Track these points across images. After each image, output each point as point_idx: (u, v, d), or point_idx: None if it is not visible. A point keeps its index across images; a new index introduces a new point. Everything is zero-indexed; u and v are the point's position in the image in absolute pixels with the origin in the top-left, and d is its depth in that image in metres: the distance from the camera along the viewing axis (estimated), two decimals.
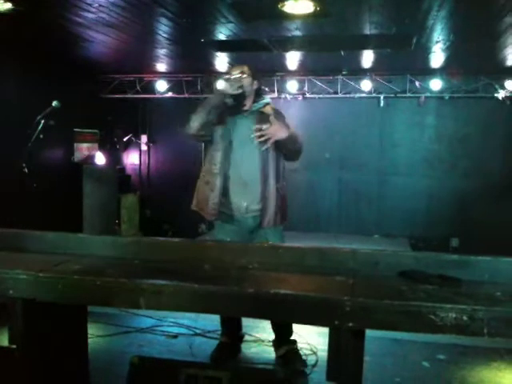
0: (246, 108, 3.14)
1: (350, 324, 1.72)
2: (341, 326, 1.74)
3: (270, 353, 3.31)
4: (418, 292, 1.86)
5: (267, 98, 3.26)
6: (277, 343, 3.28)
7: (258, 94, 3.20)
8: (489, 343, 3.32)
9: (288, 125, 3.06)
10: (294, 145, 3.09)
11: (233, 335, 3.34)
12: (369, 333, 1.87)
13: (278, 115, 3.13)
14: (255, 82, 3.15)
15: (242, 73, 3.08)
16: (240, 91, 3.02)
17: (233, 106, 3.10)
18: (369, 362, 2.92)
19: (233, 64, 3.26)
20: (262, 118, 3.07)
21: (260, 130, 2.96)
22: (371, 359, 3.08)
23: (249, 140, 3.03)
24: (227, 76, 3.08)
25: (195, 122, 3.02)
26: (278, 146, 3.05)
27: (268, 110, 3.15)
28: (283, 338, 3.24)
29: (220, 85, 3.07)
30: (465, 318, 1.64)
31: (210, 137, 3.10)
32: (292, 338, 3.25)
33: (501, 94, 7.51)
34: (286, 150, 3.11)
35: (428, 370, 3.19)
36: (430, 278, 1.95)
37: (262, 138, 2.97)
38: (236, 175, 3.08)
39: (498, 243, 6.94)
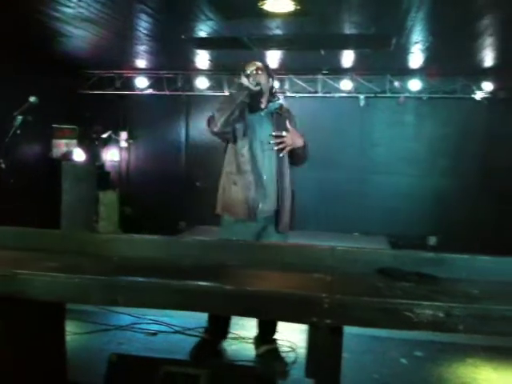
0: (262, 106, 3.13)
1: (328, 321, 1.73)
2: (319, 323, 1.74)
3: (249, 350, 3.31)
4: (395, 289, 1.87)
5: (281, 98, 3.26)
6: (258, 341, 3.27)
7: (272, 93, 3.20)
8: (466, 340, 3.36)
9: (301, 133, 3.11)
10: (304, 152, 3.15)
11: (216, 333, 3.31)
12: (348, 330, 1.88)
13: (293, 118, 3.19)
14: (270, 80, 3.16)
15: (258, 69, 3.07)
16: (259, 88, 3.02)
17: (250, 104, 3.06)
18: (347, 359, 2.93)
19: (245, 60, 3.21)
20: (280, 120, 3.10)
21: (279, 137, 3.00)
22: (350, 356, 3.10)
23: (267, 140, 3.05)
24: (248, 72, 3.03)
25: (221, 119, 2.94)
26: (291, 151, 3.09)
27: (284, 111, 3.18)
28: (266, 337, 3.23)
29: (243, 81, 3.00)
30: (441, 314, 1.66)
31: (232, 134, 3.05)
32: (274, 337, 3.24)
33: (478, 95, 7.63)
34: (296, 155, 3.15)
35: (406, 366, 3.22)
36: (407, 275, 1.97)
37: (281, 146, 3.01)
38: (255, 175, 3.05)
39: (476, 242, 7.08)
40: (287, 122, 3.09)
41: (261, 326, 3.27)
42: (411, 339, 3.46)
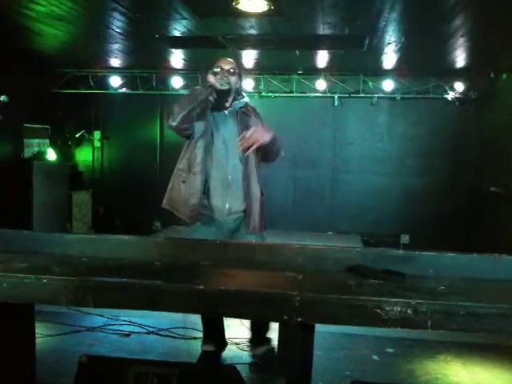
0: (227, 105, 3.03)
1: (299, 319, 1.74)
2: (290, 321, 1.76)
3: (226, 350, 3.32)
4: (364, 286, 1.90)
5: (246, 97, 3.15)
6: (254, 342, 3.22)
7: (238, 92, 3.10)
8: (435, 336, 3.43)
9: (268, 128, 2.96)
10: (273, 147, 3.00)
11: (214, 343, 3.19)
12: (320, 327, 1.90)
13: (258, 116, 3.11)
14: (239, 80, 3.06)
15: (231, 68, 2.97)
16: (227, 87, 2.91)
17: (215, 103, 2.95)
18: (319, 356, 2.99)
19: (219, 58, 3.11)
20: (244, 119, 3.02)
21: (243, 138, 2.85)
22: (322, 353, 3.15)
23: (232, 139, 2.95)
24: (216, 69, 2.94)
25: (179, 115, 2.82)
26: (259, 148, 2.94)
27: (249, 110, 3.10)
28: (261, 337, 3.16)
29: (210, 78, 2.92)
30: (409, 311, 1.68)
31: (191, 131, 2.93)
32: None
33: (450, 96, 7.76)
34: (266, 152, 3.03)
35: (377, 363, 3.27)
36: (376, 272, 2.00)
37: (246, 145, 2.85)
38: (218, 175, 2.96)
39: (447, 239, 7.20)
40: (251, 120, 3.01)
41: (254, 327, 3.22)
42: (383, 336, 3.51)
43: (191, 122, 2.88)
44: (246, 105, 3.11)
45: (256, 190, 3.05)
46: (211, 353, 3.14)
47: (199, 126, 2.93)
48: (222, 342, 3.24)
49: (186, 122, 2.86)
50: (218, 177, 2.96)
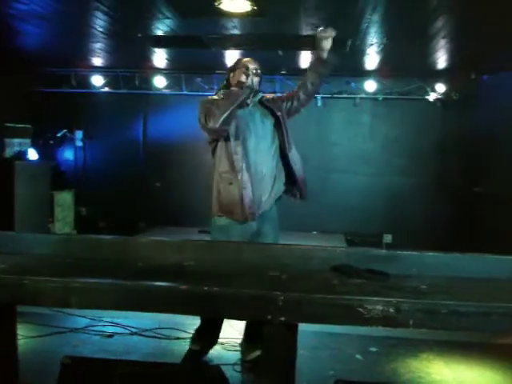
0: (248, 102, 3.11)
1: (283, 318, 1.75)
2: (274, 321, 1.76)
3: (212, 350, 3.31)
4: (347, 286, 1.91)
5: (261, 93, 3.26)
6: (247, 346, 3.20)
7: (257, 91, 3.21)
8: (418, 335, 3.46)
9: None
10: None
11: (205, 341, 3.20)
12: (304, 327, 1.91)
13: (275, 98, 3.24)
14: (260, 81, 3.19)
15: (257, 69, 3.11)
16: (257, 87, 3.08)
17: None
18: (303, 356, 2.99)
19: (243, 58, 3.21)
20: (269, 103, 3.14)
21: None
22: (306, 352, 3.16)
23: (262, 133, 3.06)
24: (249, 72, 3.07)
25: (221, 116, 2.90)
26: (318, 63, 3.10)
27: (267, 96, 3.21)
28: (255, 341, 3.12)
29: (242, 78, 3.04)
30: (391, 310, 1.69)
31: (228, 132, 3.01)
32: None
33: (432, 97, 7.84)
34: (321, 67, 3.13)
35: (361, 362, 3.29)
36: (360, 272, 2.02)
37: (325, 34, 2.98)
38: (253, 169, 3.01)
39: (430, 239, 7.27)
40: (274, 100, 3.16)
41: (248, 329, 3.21)
42: (366, 335, 3.54)
43: (231, 123, 2.97)
44: (254, 90, 3.16)
45: (299, 162, 3.19)
46: (197, 352, 3.14)
47: (232, 127, 3.01)
48: (212, 342, 3.22)
49: (227, 124, 2.95)
50: (253, 173, 3.01)
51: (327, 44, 3.04)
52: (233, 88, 3.06)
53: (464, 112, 7.67)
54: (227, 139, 3.01)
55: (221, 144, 3.05)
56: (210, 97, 3.13)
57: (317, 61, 3.11)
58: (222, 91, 3.14)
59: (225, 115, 2.90)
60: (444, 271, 2.12)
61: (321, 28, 3.03)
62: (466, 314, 1.68)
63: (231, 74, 3.18)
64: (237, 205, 2.96)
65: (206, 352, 3.20)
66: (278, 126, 3.11)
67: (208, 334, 3.19)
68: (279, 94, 3.35)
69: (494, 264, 2.16)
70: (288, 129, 3.14)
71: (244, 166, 2.97)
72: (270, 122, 3.12)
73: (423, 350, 3.47)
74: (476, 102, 7.36)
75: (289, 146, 3.12)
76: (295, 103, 3.19)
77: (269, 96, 3.27)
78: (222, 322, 3.22)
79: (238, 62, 3.18)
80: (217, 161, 3.08)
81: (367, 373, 3.13)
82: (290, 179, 3.19)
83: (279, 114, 3.11)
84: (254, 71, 3.09)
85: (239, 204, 2.95)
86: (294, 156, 3.16)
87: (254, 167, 3.01)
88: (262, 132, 3.07)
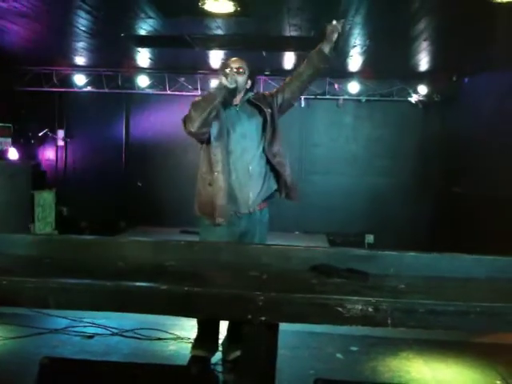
0: (236, 103, 3.08)
1: (263, 318, 1.75)
2: (254, 320, 1.77)
3: (188, 350, 3.31)
4: (327, 285, 1.93)
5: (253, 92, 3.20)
6: (228, 345, 3.14)
7: (248, 90, 3.14)
8: (398, 334, 3.50)
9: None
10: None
11: (206, 347, 3.12)
12: (285, 326, 1.91)
13: (266, 95, 3.17)
14: (249, 82, 3.11)
15: (239, 68, 3.02)
16: (234, 85, 2.93)
17: (223, 101, 2.99)
18: (284, 355, 3.00)
19: (230, 57, 3.17)
20: (259, 99, 3.09)
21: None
22: (286, 352, 3.17)
23: (249, 132, 3.02)
24: (227, 69, 2.98)
25: (198, 119, 2.86)
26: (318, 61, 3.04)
27: (259, 94, 3.17)
28: (239, 340, 2.95)
29: (221, 79, 2.92)
30: (370, 309, 1.71)
31: (208, 135, 2.96)
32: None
33: (414, 98, 7.92)
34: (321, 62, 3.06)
35: (341, 361, 3.31)
36: (340, 271, 2.03)
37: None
38: (240, 169, 2.99)
39: (411, 239, 7.35)
40: (265, 97, 3.11)
41: (230, 329, 3.17)
42: (347, 334, 3.56)
43: (210, 126, 2.93)
44: (254, 93, 3.15)
45: (284, 163, 3.15)
46: (201, 358, 3.06)
47: (214, 128, 2.97)
48: (213, 347, 3.15)
49: (205, 126, 2.90)
50: (240, 170, 2.99)
51: (334, 38, 2.98)
52: (210, 89, 3.05)
53: (445, 113, 7.77)
54: (208, 141, 2.99)
55: (204, 145, 3.04)
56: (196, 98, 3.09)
57: (319, 55, 3.04)
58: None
59: (201, 118, 2.86)
60: (423, 271, 2.14)
61: (336, 22, 2.97)
62: (443, 313, 1.70)
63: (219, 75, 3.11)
64: (210, 206, 2.95)
65: (209, 357, 3.12)
66: (265, 124, 3.08)
67: (207, 340, 3.13)
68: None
69: (472, 264, 2.18)
70: (276, 127, 3.09)
71: (221, 168, 2.94)
72: (258, 121, 3.08)
73: (403, 348, 3.50)
74: (457, 103, 7.45)
75: (271, 145, 3.07)
76: (287, 95, 3.14)
77: (264, 93, 3.23)
78: (218, 326, 3.16)
79: (223, 62, 3.16)
80: (200, 161, 3.08)
81: (348, 372, 3.15)
82: (278, 179, 3.17)
83: (267, 111, 3.06)
84: (236, 70, 3.01)
85: (212, 206, 2.95)
86: (277, 155, 3.11)
87: (238, 167, 2.99)
88: (249, 131, 3.04)
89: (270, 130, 3.06)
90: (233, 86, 2.93)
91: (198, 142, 3.08)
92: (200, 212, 3.08)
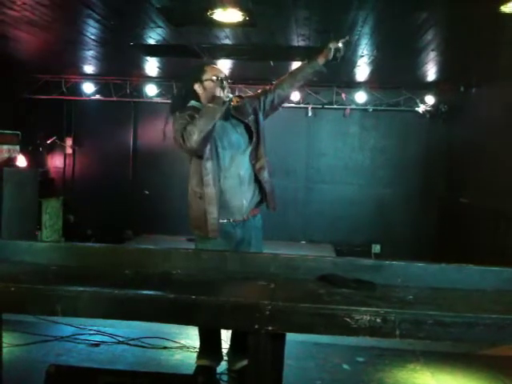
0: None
1: (270, 328, 1.75)
2: (261, 330, 1.76)
3: (194, 359, 3.29)
4: (334, 295, 1.92)
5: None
6: (235, 354, 3.07)
7: None
8: (405, 345, 3.47)
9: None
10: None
11: (211, 356, 3.06)
12: (291, 337, 1.91)
13: (247, 99, 3.12)
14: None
15: (226, 76, 2.96)
16: (231, 97, 2.89)
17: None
18: (290, 366, 2.98)
19: (207, 65, 3.08)
20: (239, 110, 3.00)
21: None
22: (293, 363, 3.14)
23: (235, 139, 2.95)
24: (221, 82, 2.87)
25: (201, 135, 2.75)
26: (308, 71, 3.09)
27: (236, 101, 3.05)
28: (241, 350, 2.95)
29: (217, 92, 2.82)
30: (378, 320, 1.71)
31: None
32: None
33: (421, 108, 7.91)
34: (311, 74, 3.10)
35: (348, 372, 3.28)
36: (347, 282, 2.02)
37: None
38: (230, 177, 2.92)
39: (417, 249, 7.32)
40: (245, 103, 3.03)
41: (235, 338, 3.10)
42: (353, 345, 3.53)
43: (210, 140, 2.84)
44: (230, 100, 3.01)
45: (267, 176, 3.12)
46: (207, 367, 3.01)
47: None
48: (218, 357, 3.10)
49: (206, 142, 2.81)
50: (231, 179, 2.93)
51: (330, 56, 2.99)
52: (209, 104, 2.85)
53: (452, 124, 7.76)
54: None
55: (194, 158, 2.96)
56: (181, 113, 2.90)
57: (311, 68, 3.06)
58: (192, 104, 2.98)
59: (203, 134, 2.75)
60: (430, 281, 2.14)
61: (343, 40, 2.98)
62: (451, 325, 1.69)
63: (196, 85, 2.97)
64: (204, 220, 2.89)
65: (215, 367, 3.07)
66: (249, 130, 3.00)
67: (211, 349, 3.08)
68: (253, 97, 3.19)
69: (479, 275, 2.17)
70: (261, 131, 3.03)
71: (212, 180, 2.88)
72: (242, 128, 3.00)
73: (410, 360, 3.47)
74: (464, 114, 7.43)
75: (257, 150, 3.03)
76: (276, 100, 3.13)
77: (249, 96, 3.18)
78: (220, 336, 3.12)
79: (203, 70, 2.99)
80: (190, 175, 3.02)
81: (354, 383, 3.13)
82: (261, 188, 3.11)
83: (250, 119, 2.98)
84: (225, 81, 2.92)
85: (205, 220, 2.88)
86: (260, 159, 3.07)
87: (229, 175, 2.93)
88: (236, 139, 2.97)
89: (255, 135, 3.00)
90: (229, 98, 2.87)
91: (190, 156, 2.98)
92: (192, 227, 3.02)
